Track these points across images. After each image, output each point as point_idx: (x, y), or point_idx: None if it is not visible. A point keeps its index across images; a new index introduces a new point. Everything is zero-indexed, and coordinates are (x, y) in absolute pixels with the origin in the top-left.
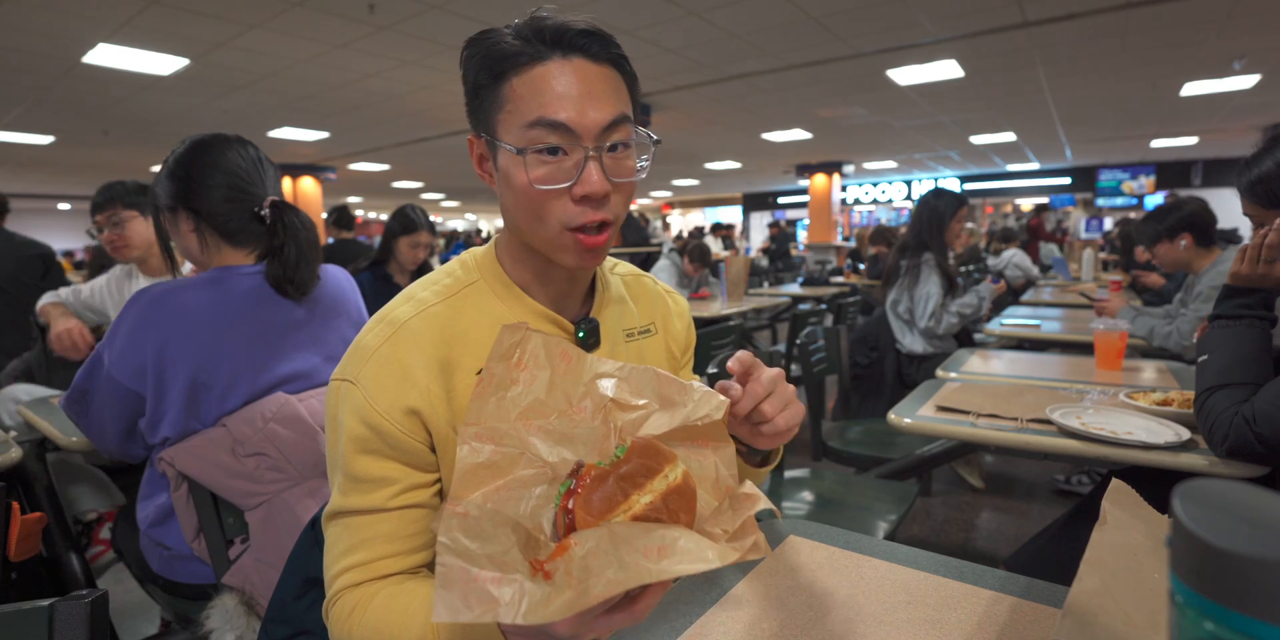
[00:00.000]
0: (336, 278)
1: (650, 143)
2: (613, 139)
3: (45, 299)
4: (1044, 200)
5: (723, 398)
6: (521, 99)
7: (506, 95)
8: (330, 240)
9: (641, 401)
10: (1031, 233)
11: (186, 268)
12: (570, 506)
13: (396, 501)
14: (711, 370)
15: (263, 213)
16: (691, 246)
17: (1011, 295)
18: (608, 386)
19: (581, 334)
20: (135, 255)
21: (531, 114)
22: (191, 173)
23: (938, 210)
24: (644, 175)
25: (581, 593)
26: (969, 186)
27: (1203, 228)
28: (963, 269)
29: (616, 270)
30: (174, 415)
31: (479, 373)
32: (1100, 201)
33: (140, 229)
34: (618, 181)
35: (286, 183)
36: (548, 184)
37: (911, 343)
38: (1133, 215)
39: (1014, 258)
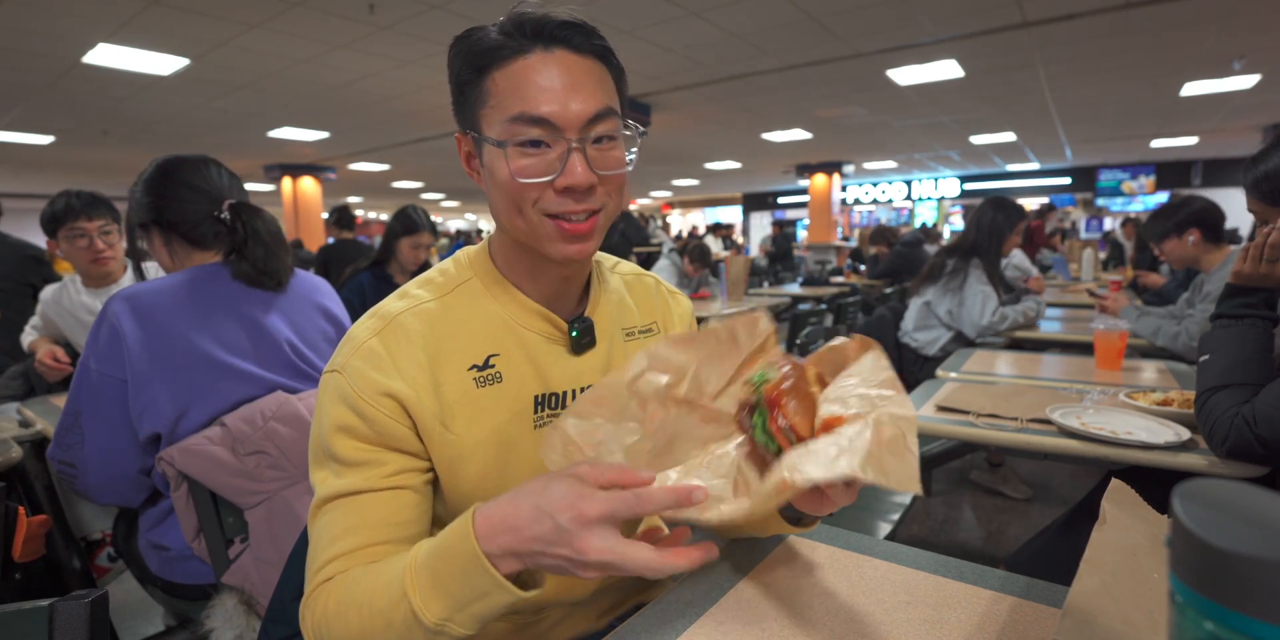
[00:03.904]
0: (310, 279)
1: (638, 136)
2: (597, 132)
3: (27, 336)
4: (1045, 200)
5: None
6: (503, 93)
7: (489, 89)
8: (330, 240)
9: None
10: (1029, 236)
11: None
12: (780, 425)
13: (389, 481)
14: None
15: (222, 216)
16: (691, 247)
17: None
18: (655, 379)
19: (575, 333)
20: (109, 270)
21: (513, 108)
22: (160, 190)
23: (998, 222)
24: (630, 168)
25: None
26: (969, 186)
27: (1211, 224)
28: None
29: (618, 269)
30: (165, 396)
31: (469, 368)
32: (1100, 201)
33: (122, 248)
34: (604, 173)
35: (286, 183)
36: (530, 177)
37: (928, 343)
38: (1133, 215)
39: (1014, 259)
